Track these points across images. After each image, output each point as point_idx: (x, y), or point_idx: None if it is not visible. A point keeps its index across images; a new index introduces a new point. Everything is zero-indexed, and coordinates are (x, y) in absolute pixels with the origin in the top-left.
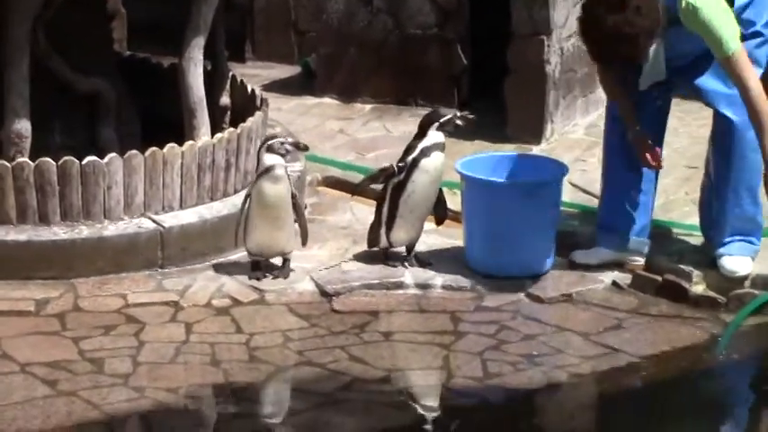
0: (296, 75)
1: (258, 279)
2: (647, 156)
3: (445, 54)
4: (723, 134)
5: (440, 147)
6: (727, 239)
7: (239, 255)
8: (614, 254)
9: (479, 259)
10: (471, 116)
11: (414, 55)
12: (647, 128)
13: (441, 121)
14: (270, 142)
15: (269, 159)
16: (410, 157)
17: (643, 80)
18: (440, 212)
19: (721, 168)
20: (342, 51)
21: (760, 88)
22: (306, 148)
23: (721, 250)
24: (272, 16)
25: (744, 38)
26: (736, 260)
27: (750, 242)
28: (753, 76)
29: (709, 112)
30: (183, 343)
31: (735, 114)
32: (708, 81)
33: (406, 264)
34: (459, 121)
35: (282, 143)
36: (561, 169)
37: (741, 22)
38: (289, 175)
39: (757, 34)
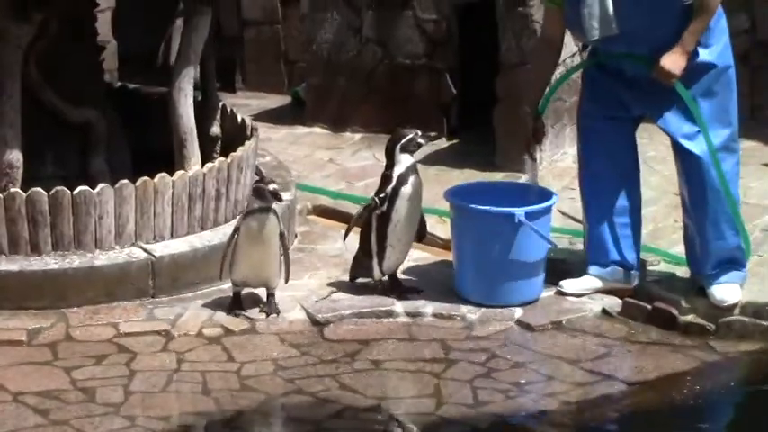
0: (286, 104)
1: (236, 315)
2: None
3: (434, 83)
4: (692, 171)
5: (414, 170)
6: (715, 270)
7: (230, 284)
8: (603, 283)
9: (470, 287)
10: (433, 134)
11: (403, 84)
12: (623, 160)
13: (402, 142)
14: (257, 185)
15: (256, 201)
16: (389, 188)
17: (588, 25)
18: (420, 231)
19: (697, 204)
20: (331, 81)
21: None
22: (280, 200)
23: (710, 280)
24: (262, 47)
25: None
26: (726, 288)
27: (737, 269)
28: None
29: None
30: (174, 372)
31: (700, 149)
32: (670, 115)
33: (397, 292)
34: (421, 140)
35: (264, 189)
36: (550, 197)
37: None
38: (278, 215)
39: (710, 66)
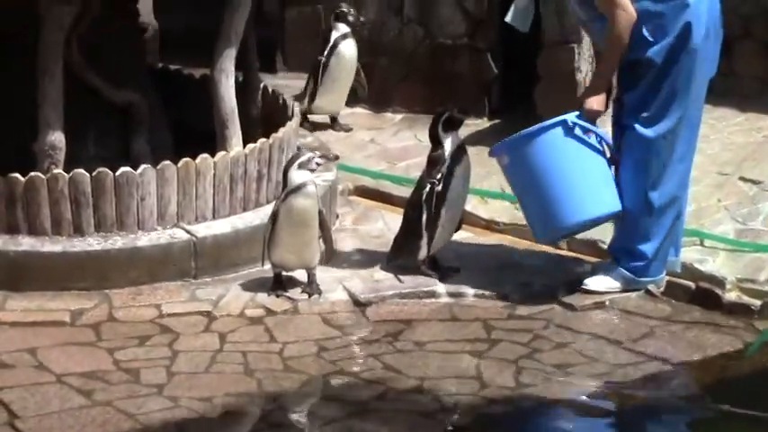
0: None
1: (278, 296)
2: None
3: (475, 63)
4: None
5: (463, 149)
6: None
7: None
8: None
9: (546, 223)
10: (466, 110)
11: (444, 64)
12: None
13: (441, 121)
14: (300, 159)
15: (299, 177)
16: (444, 167)
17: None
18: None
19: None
20: (372, 61)
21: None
22: (336, 158)
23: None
24: (302, 27)
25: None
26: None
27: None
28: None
29: (740, 119)
30: (216, 352)
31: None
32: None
33: (439, 272)
34: (458, 116)
35: (311, 158)
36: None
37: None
38: (317, 193)
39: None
